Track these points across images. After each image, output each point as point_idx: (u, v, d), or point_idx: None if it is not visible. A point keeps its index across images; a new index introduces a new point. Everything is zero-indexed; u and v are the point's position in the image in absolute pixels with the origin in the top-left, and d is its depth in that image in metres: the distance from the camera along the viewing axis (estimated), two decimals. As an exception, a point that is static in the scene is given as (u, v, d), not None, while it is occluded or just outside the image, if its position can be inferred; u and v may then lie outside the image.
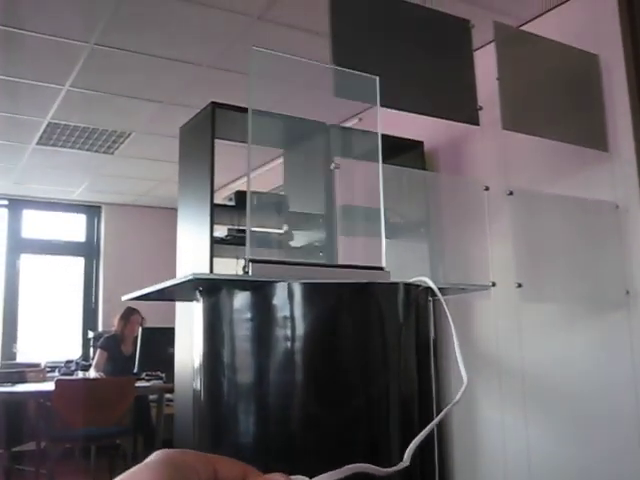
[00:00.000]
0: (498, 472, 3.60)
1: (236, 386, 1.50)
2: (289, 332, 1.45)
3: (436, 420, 0.94)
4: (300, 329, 1.46)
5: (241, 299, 1.51)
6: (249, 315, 1.49)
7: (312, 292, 1.48)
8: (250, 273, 1.54)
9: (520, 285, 2.57)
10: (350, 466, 0.49)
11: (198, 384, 1.62)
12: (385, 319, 1.56)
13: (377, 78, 1.98)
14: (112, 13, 3.39)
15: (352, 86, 2.28)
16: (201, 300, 1.61)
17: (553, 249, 2.82)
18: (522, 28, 3.46)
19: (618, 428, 2.98)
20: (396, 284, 1.60)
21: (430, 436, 1.62)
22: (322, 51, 2.32)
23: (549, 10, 3.46)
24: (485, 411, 3.71)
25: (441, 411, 0.98)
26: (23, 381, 5.43)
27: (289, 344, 1.45)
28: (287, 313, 1.46)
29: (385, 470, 0.57)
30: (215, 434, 1.57)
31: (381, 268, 1.78)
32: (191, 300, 1.71)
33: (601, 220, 3.00)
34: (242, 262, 1.57)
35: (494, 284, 2.56)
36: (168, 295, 1.98)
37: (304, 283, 1.47)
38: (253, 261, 1.55)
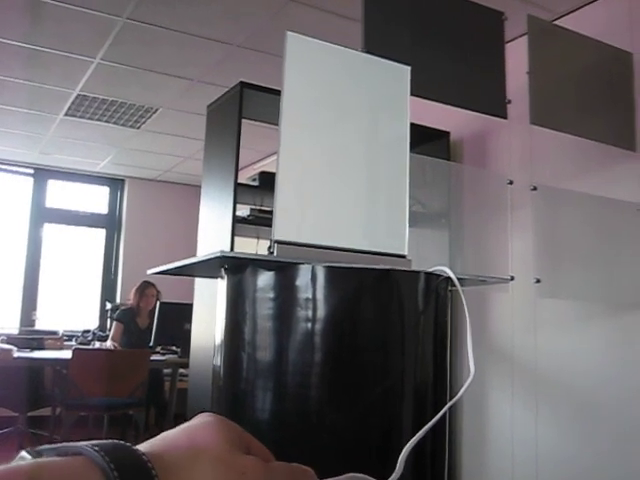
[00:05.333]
0: (506, 466, 3.62)
1: (255, 363, 1.53)
2: (310, 313, 1.48)
3: (432, 422, 0.91)
4: (321, 311, 1.48)
5: (265, 278, 1.54)
6: (272, 295, 1.52)
7: (335, 275, 1.50)
8: (275, 254, 1.57)
9: (539, 280, 2.57)
10: (348, 475, 0.52)
11: (218, 360, 1.65)
12: (405, 306, 1.58)
13: (409, 68, 1.99)
14: (146, -12, 3.41)
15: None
16: (225, 277, 1.64)
17: (574, 246, 2.81)
18: (556, 22, 3.43)
19: (631, 430, 2.98)
20: (417, 272, 1.61)
21: (441, 424, 1.64)
22: (354, 37, 2.33)
23: (585, 5, 3.43)
24: (495, 406, 3.73)
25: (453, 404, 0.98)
26: (41, 348, 5.54)
27: (309, 325, 1.48)
28: (309, 295, 1.49)
29: None
30: (233, 409, 1.60)
31: (403, 256, 1.80)
32: (214, 277, 1.74)
33: (624, 220, 2.98)
34: (263, 242, 1.60)
35: (513, 278, 2.56)
36: (190, 271, 2.02)
37: (327, 266, 1.50)
38: (279, 242, 1.58)
